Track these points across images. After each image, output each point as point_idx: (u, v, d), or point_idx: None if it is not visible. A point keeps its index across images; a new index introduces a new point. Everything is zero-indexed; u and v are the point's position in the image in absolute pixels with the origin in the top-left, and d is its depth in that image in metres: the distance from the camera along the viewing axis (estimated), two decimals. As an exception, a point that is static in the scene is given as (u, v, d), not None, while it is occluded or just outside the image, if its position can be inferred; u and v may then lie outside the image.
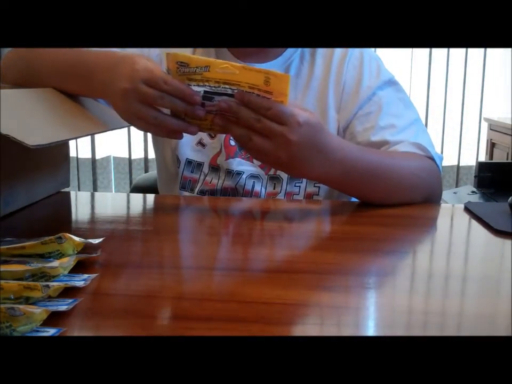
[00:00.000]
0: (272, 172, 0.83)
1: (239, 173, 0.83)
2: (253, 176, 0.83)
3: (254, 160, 0.83)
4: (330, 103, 0.82)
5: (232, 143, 0.83)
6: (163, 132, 0.64)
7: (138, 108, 0.61)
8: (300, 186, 0.82)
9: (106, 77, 0.65)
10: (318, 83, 0.83)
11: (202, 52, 0.84)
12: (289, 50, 0.83)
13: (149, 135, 2.69)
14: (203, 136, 0.84)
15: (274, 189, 0.83)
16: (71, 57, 0.73)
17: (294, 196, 0.82)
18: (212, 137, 0.84)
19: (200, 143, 0.84)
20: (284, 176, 0.82)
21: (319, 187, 0.82)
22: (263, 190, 0.83)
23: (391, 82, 0.83)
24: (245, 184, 0.83)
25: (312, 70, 0.83)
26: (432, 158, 0.76)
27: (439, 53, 2.59)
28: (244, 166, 0.83)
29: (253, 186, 0.83)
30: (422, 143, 0.77)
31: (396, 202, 0.70)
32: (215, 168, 0.84)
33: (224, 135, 0.82)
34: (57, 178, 0.77)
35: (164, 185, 0.94)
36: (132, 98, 0.61)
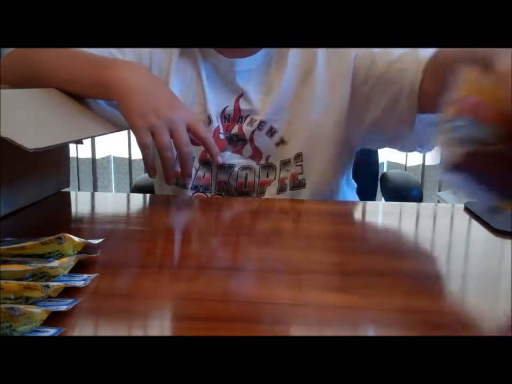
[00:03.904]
0: (263, 161, 0.84)
1: (231, 166, 0.83)
2: (244, 168, 0.84)
3: (243, 152, 0.84)
4: (317, 78, 0.81)
5: (222, 136, 0.84)
6: (151, 161, 0.68)
7: (162, 131, 0.66)
8: (289, 170, 0.83)
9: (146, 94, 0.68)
10: (296, 66, 0.82)
11: (188, 49, 0.85)
12: None
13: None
14: None
15: (267, 177, 0.84)
16: (82, 59, 0.74)
17: (285, 180, 0.83)
18: None
19: (190, 139, 0.84)
20: (277, 163, 0.83)
21: (301, 165, 0.82)
22: (256, 179, 0.84)
23: None
24: (237, 177, 0.83)
25: (291, 55, 0.83)
26: None
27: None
28: (235, 159, 0.84)
29: (246, 177, 0.84)
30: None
31: None
32: (205, 162, 0.85)
33: (213, 129, 0.83)
34: (57, 178, 0.77)
35: (158, 184, 0.94)
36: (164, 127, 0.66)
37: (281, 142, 0.83)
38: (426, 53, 0.72)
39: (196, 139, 0.70)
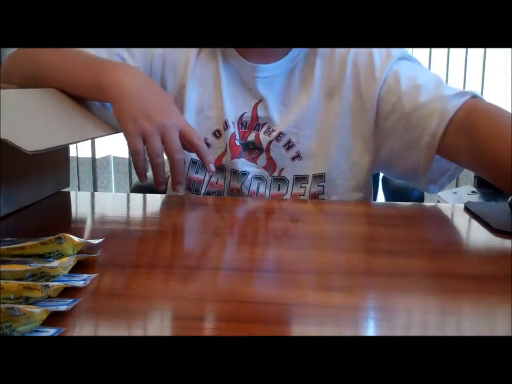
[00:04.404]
0: (276, 173, 0.83)
1: (245, 173, 0.82)
2: (257, 177, 0.83)
3: (258, 161, 0.83)
4: (335, 98, 0.81)
5: (237, 143, 0.83)
6: (142, 167, 0.67)
7: (154, 137, 0.65)
8: (305, 187, 0.82)
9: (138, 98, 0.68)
10: (321, 81, 0.82)
11: (208, 51, 0.85)
12: (295, 50, 0.83)
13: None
14: (208, 136, 0.84)
15: (279, 190, 0.83)
16: (81, 60, 0.74)
17: (300, 196, 0.82)
18: (217, 137, 0.84)
19: (205, 143, 0.84)
20: (290, 177, 0.82)
21: (323, 186, 0.82)
22: (267, 191, 0.83)
23: (405, 56, 0.82)
24: (250, 185, 0.82)
25: (314, 70, 0.82)
26: (474, 96, 0.74)
27: (439, 53, 2.59)
28: (249, 167, 0.83)
29: (258, 187, 0.83)
30: (449, 89, 0.75)
31: None
32: (220, 168, 0.84)
33: (230, 135, 0.83)
34: (57, 178, 0.77)
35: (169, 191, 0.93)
36: (156, 132, 0.65)
37: (297, 156, 0.82)
38: (456, 102, 0.72)
39: (189, 146, 0.69)
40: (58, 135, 0.60)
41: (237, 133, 0.83)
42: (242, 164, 0.83)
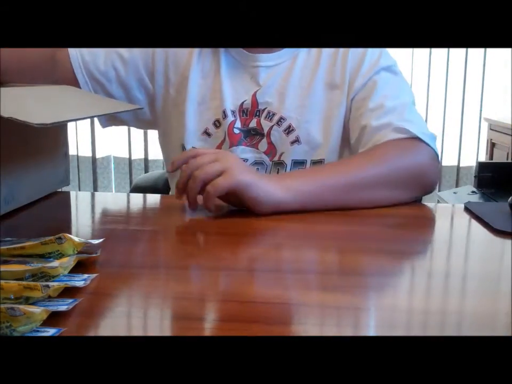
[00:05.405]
0: (276, 158, 0.85)
1: (244, 160, 0.83)
2: (257, 162, 0.85)
3: (259, 146, 0.84)
4: (337, 91, 0.83)
5: (236, 131, 0.85)
6: None
7: None
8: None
9: None
10: (325, 73, 0.84)
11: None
12: None
13: (149, 135, 2.70)
14: (208, 126, 0.86)
15: (278, 174, 0.84)
16: None
17: None
18: (216, 126, 0.85)
19: (206, 133, 0.86)
20: (288, 161, 0.84)
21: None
22: None
23: (390, 69, 0.83)
24: None
25: (319, 60, 0.84)
26: (419, 139, 0.75)
27: (439, 53, 2.59)
28: (248, 153, 0.85)
29: None
30: (408, 123, 0.76)
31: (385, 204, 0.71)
32: None
33: (228, 123, 0.84)
34: (57, 176, 0.77)
35: (172, 178, 0.94)
36: None
37: (297, 141, 0.84)
38: (390, 136, 0.75)
39: None
40: (62, 112, 0.61)
41: (238, 120, 0.85)
42: (241, 151, 0.84)
